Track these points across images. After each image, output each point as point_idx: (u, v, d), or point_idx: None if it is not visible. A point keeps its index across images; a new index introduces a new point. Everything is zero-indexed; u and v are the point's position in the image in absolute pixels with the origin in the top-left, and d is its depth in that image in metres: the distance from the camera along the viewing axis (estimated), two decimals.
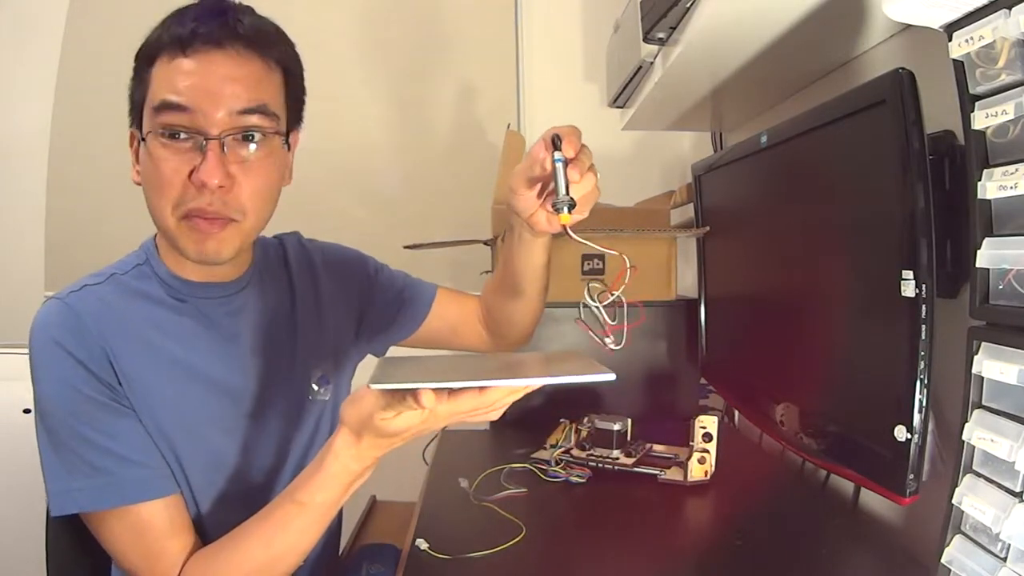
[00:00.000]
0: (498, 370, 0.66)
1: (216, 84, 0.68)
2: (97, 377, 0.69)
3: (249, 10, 0.73)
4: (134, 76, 0.73)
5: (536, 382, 0.59)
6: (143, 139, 0.70)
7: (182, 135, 0.69)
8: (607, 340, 0.72)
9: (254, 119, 0.71)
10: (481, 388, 0.58)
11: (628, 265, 0.72)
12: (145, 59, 0.71)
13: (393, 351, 1.03)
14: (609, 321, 0.73)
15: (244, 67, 0.70)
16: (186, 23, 0.69)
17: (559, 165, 0.67)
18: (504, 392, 0.59)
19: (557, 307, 1.34)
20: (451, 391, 0.58)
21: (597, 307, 0.74)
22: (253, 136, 0.71)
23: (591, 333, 0.74)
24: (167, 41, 0.69)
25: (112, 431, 0.69)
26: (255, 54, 0.71)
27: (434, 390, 0.56)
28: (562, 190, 0.66)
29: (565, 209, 0.66)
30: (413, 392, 0.56)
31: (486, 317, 0.99)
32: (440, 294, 1.01)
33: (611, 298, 0.75)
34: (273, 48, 0.73)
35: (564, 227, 0.68)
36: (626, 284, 0.73)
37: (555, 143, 0.68)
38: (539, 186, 0.72)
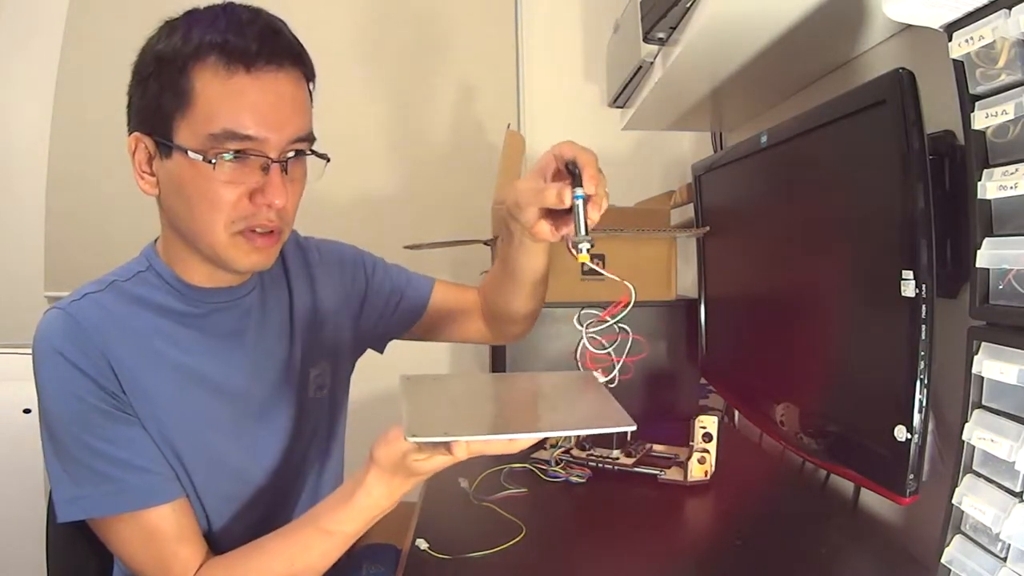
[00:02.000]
0: (525, 410, 0.67)
1: (283, 111, 0.68)
2: (100, 386, 0.69)
3: (284, 23, 0.72)
4: (154, 80, 0.68)
5: (564, 434, 0.61)
6: (204, 158, 0.67)
7: (238, 155, 0.68)
8: (596, 373, 0.71)
9: (305, 144, 0.73)
10: (511, 439, 0.60)
11: (633, 297, 0.71)
12: (176, 65, 0.66)
13: (393, 345, 1.03)
14: (595, 351, 0.72)
15: (299, 90, 0.71)
16: (244, 35, 0.66)
17: (579, 203, 0.65)
18: (531, 440, 0.61)
19: (557, 307, 1.35)
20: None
21: (584, 334, 0.73)
22: (298, 155, 0.73)
23: (580, 366, 0.73)
24: (218, 50, 0.65)
25: (117, 439, 0.69)
26: (303, 75, 0.72)
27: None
28: (582, 230, 0.65)
29: (584, 250, 0.66)
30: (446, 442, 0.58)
31: (485, 312, 0.99)
32: (438, 287, 1.00)
33: (602, 326, 0.74)
34: (308, 66, 0.74)
35: (583, 262, 0.67)
36: (626, 312, 0.72)
37: (571, 171, 0.67)
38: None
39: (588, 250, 0.66)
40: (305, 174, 0.76)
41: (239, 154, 0.68)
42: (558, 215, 0.72)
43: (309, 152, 0.74)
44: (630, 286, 0.72)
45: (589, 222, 0.66)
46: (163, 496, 0.70)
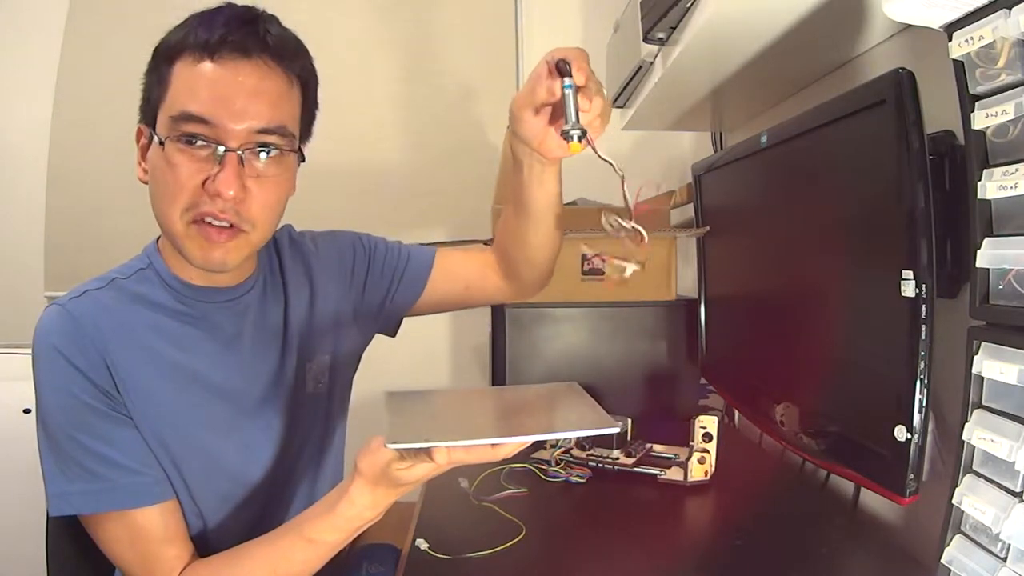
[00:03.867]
0: (507, 418, 0.67)
1: (241, 97, 0.68)
2: (95, 384, 0.70)
3: (275, 20, 0.73)
4: (151, 72, 0.71)
5: (547, 437, 0.61)
6: (159, 140, 0.69)
7: (199, 142, 0.68)
8: (628, 266, 0.68)
9: (273, 138, 0.71)
10: (494, 444, 0.60)
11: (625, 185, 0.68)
12: (165, 57, 0.69)
13: (396, 345, 1.02)
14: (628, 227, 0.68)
15: (268, 81, 0.70)
16: (215, 27, 0.68)
17: (568, 92, 0.64)
18: (514, 445, 0.60)
19: (557, 307, 1.35)
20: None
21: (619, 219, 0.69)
22: (269, 151, 0.72)
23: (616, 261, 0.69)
24: (192, 43, 0.68)
25: (109, 438, 0.70)
26: (279, 67, 0.71)
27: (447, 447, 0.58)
28: (572, 117, 0.64)
29: (575, 137, 0.64)
30: (427, 448, 0.58)
31: (502, 265, 0.95)
32: (441, 255, 0.97)
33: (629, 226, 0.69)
34: (295, 62, 0.73)
35: (589, 145, 0.66)
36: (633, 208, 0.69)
37: (560, 68, 0.66)
38: (546, 112, 0.70)
39: (580, 138, 0.64)
40: (286, 175, 0.74)
41: (191, 137, 0.68)
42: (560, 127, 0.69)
43: (280, 149, 0.72)
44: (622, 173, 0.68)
45: (581, 112, 0.65)
46: (151, 497, 0.71)
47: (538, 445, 1.14)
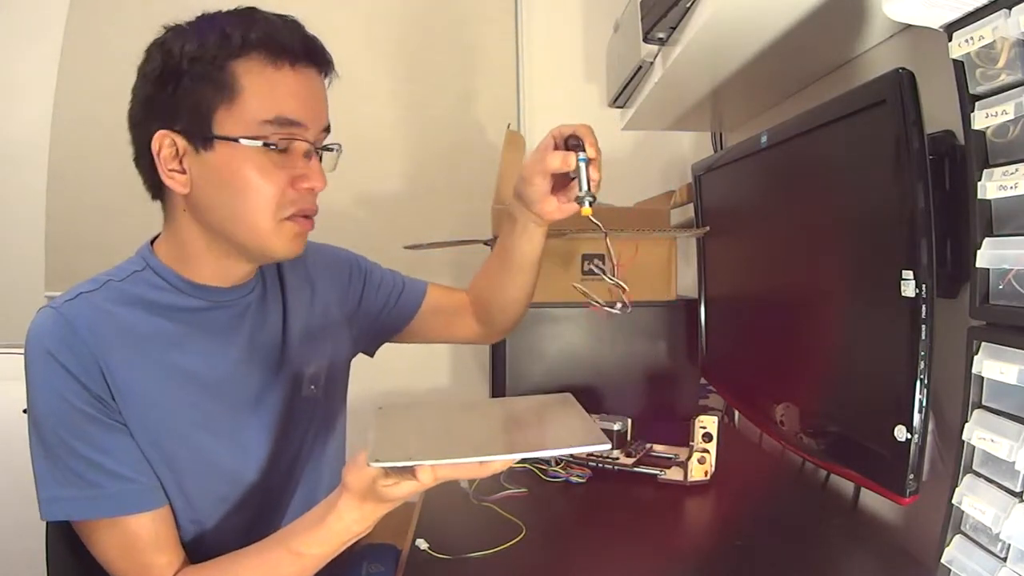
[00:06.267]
0: (496, 433, 0.68)
1: (319, 104, 0.76)
2: (88, 390, 0.69)
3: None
4: (187, 78, 0.68)
5: (536, 455, 0.62)
6: (265, 144, 0.70)
7: (296, 143, 0.73)
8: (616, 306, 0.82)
9: (326, 135, 0.78)
10: (481, 462, 0.60)
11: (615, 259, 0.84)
12: (214, 63, 0.68)
13: (397, 346, 1.04)
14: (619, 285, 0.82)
15: (323, 86, 0.78)
16: (293, 37, 0.72)
17: (583, 165, 0.77)
18: (502, 462, 0.61)
19: (557, 307, 1.35)
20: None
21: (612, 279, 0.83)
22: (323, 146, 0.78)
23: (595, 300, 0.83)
24: (262, 47, 0.70)
25: (101, 445, 0.69)
26: (326, 76, 0.78)
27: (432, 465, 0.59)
28: (584, 187, 0.77)
29: (587, 203, 0.77)
30: (412, 467, 0.58)
31: (477, 309, 1.03)
32: (431, 290, 1.04)
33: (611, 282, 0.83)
34: (332, 68, 0.79)
35: (588, 216, 0.78)
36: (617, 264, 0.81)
37: (571, 144, 0.79)
38: (551, 178, 0.82)
39: (591, 203, 0.77)
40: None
41: (288, 140, 0.72)
42: (561, 193, 0.83)
43: (330, 145, 0.79)
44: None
45: (591, 182, 0.77)
46: (142, 505, 0.71)
47: None
